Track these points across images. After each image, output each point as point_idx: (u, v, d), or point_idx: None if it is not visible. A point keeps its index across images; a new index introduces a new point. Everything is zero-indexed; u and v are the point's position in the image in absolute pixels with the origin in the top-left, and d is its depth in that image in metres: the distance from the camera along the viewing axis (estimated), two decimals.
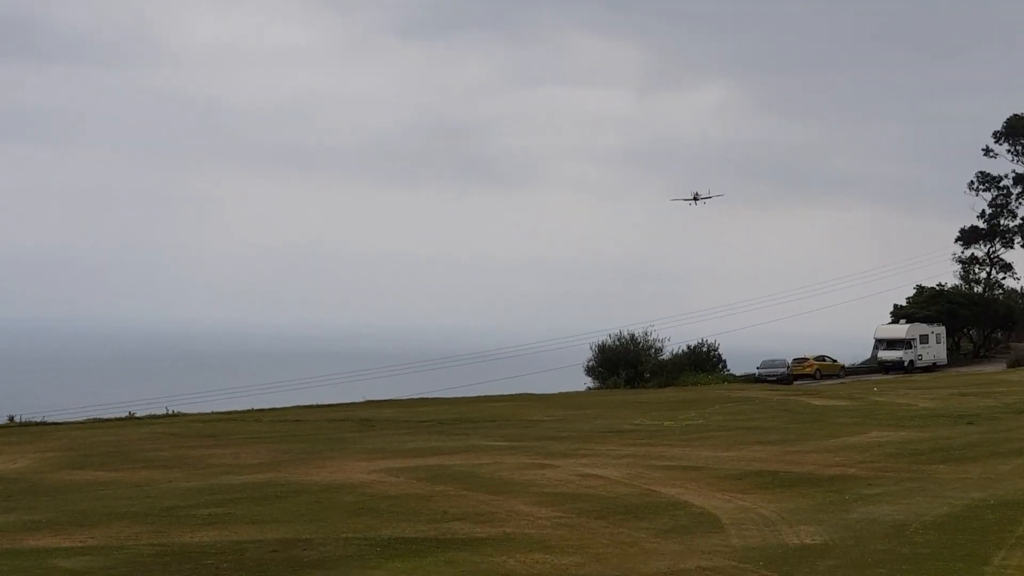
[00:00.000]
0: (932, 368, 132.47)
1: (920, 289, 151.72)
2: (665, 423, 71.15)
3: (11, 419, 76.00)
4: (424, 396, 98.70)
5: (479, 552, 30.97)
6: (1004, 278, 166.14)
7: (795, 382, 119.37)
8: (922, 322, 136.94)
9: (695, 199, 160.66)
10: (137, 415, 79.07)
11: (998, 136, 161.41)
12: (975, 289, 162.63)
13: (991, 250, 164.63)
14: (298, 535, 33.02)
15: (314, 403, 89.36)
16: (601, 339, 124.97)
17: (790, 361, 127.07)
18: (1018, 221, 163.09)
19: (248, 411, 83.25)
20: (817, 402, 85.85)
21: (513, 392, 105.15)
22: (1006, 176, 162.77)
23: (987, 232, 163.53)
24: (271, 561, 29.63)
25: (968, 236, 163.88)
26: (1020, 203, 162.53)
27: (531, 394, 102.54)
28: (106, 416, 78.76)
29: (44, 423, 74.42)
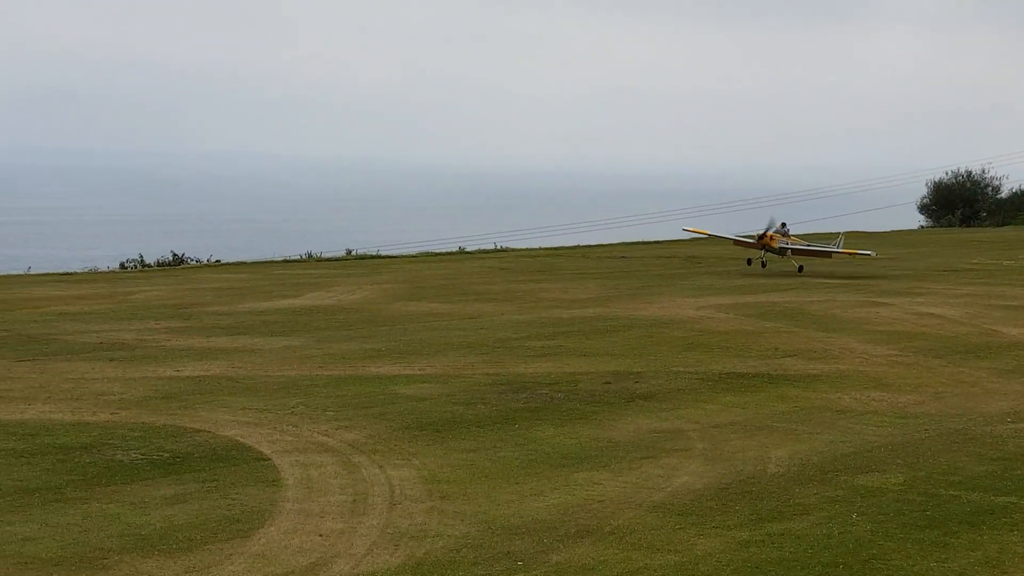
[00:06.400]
0: None
1: None
2: (1004, 262, 68.59)
3: (348, 252, 78.64)
4: (751, 234, 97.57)
5: (812, 388, 30.52)
6: None
7: None
8: None
9: None
10: (467, 249, 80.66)
11: None
12: None
13: None
14: (629, 368, 33.17)
15: (639, 240, 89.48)
16: (937, 176, 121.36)
17: None
18: None
19: (575, 247, 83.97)
20: None
21: (843, 230, 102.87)
22: None
23: None
24: (603, 392, 29.85)
25: None
26: None
27: (862, 232, 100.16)
28: (437, 250, 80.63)
29: (379, 256, 76.69)
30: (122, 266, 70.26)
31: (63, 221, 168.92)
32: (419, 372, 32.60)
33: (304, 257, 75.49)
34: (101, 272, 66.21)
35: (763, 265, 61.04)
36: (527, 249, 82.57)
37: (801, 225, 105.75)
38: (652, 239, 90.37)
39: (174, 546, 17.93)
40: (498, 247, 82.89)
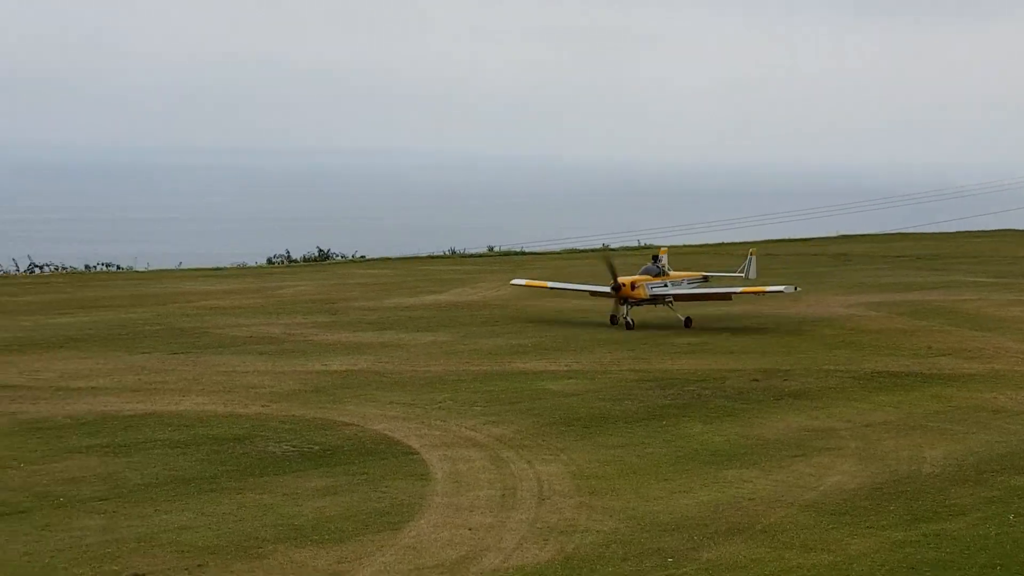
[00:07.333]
0: None
1: None
2: None
3: (490, 249, 78.84)
4: (901, 232, 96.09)
5: (967, 388, 29.90)
6: None
7: None
8: None
9: None
10: (611, 246, 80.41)
11: None
12: None
13: None
14: (777, 366, 32.81)
15: (785, 237, 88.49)
16: None
17: None
18: None
19: (719, 244, 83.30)
20: None
21: (993, 228, 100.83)
22: None
23: None
24: (752, 390, 29.55)
25: None
26: None
27: (1014, 230, 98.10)
28: (580, 247, 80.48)
29: (523, 253, 76.78)
30: (269, 261, 71.25)
31: (211, 218, 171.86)
32: (565, 368, 32.57)
33: (447, 253, 75.89)
34: (249, 267, 67.23)
35: (628, 325, 40.32)
36: (671, 246, 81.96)
37: (948, 223, 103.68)
38: (798, 236, 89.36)
39: (326, 537, 18.09)
40: (641, 244, 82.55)
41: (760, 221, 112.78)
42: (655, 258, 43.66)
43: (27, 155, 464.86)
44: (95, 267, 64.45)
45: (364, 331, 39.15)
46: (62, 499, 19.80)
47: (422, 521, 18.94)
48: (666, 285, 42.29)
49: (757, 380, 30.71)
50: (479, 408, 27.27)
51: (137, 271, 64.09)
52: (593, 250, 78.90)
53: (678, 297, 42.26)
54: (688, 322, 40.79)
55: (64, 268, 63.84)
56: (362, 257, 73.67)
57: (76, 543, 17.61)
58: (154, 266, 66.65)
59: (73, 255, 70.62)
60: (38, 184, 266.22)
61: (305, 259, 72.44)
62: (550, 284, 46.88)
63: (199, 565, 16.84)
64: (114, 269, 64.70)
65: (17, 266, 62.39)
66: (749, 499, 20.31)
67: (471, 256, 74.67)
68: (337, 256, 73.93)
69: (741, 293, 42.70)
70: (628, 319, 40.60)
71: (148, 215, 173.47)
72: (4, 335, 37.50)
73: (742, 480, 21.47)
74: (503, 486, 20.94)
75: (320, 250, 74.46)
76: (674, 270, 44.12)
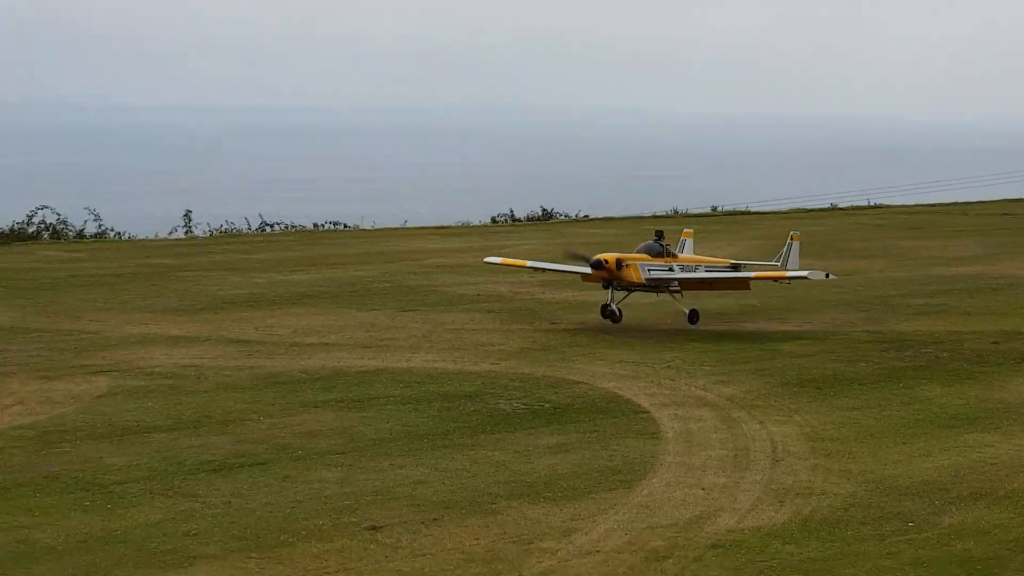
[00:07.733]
0: None
1: None
2: None
3: (713, 209, 78.01)
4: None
5: None
6: None
7: None
8: None
9: None
10: (840, 206, 79.00)
11: None
12: None
13: None
14: (1018, 328, 31.88)
15: (1022, 197, 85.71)
16: None
17: None
18: None
19: (953, 204, 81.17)
20: None
21: None
22: None
23: None
24: (991, 352, 28.72)
25: None
26: None
27: None
28: (809, 207, 79.15)
29: (747, 212, 75.79)
30: (493, 220, 71.64)
31: (434, 176, 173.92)
32: (795, 328, 32.15)
33: (671, 213, 75.25)
34: (473, 226, 67.70)
35: (615, 316, 33.01)
36: (903, 206, 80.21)
37: None
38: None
39: (559, 494, 18.09)
40: (872, 204, 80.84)
41: (997, 180, 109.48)
42: (659, 234, 35.44)
43: (294, 117, 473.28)
44: (323, 225, 65.68)
45: (590, 290, 39.00)
46: (300, 452, 20.22)
47: (654, 480, 18.82)
48: (671, 269, 34.23)
49: (996, 343, 29.84)
50: (708, 368, 27.03)
51: (364, 229, 65.01)
52: (822, 209, 77.46)
53: (685, 284, 34.33)
54: (694, 316, 33.49)
55: (294, 226, 65.20)
56: (586, 216, 73.57)
57: (315, 495, 17.96)
58: (379, 225, 67.60)
59: (302, 213, 71.98)
60: (289, 144, 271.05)
61: (529, 218, 72.64)
62: (530, 263, 38.20)
63: (434, 519, 16.99)
64: (341, 228, 65.87)
65: (249, 224, 63.99)
66: (991, 464, 19.74)
67: (694, 216, 73.94)
68: (560, 215, 73.98)
69: (755, 279, 34.57)
70: (615, 308, 33.17)
71: (369, 174, 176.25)
72: (239, 292, 38.48)
73: (983, 444, 20.87)
74: (735, 446, 20.70)
75: (544, 209, 74.55)
76: (710, 255, 38.70)
